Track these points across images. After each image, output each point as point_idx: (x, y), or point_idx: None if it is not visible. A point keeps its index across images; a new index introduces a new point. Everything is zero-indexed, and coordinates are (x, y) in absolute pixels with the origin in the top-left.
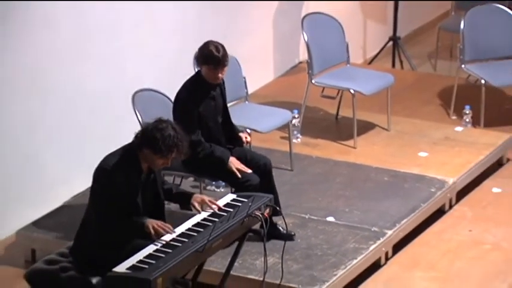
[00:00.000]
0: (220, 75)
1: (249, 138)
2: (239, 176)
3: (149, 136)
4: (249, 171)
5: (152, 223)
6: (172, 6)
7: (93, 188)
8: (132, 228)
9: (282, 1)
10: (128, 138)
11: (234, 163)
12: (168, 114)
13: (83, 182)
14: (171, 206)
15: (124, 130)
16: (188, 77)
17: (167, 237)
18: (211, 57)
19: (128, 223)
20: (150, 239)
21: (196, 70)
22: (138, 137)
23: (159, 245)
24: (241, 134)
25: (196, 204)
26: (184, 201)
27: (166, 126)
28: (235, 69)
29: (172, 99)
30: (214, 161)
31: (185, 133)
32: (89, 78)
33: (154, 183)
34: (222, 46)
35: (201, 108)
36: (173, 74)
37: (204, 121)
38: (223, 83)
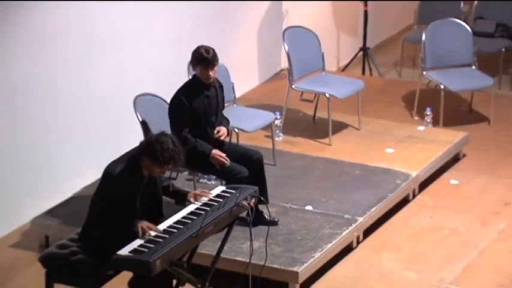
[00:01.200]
0: (211, 73)
1: (221, 133)
2: (218, 168)
3: (150, 147)
4: (228, 162)
5: (141, 224)
6: (169, 21)
7: (98, 189)
8: (123, 228)
9: (265, 16)
10: (129, 136)
11: (215, 156)
12: (164, 116)
13: (91, 175)
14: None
15: (126, 130)
16: (183, 82)
17: (161, 227)
18: (202, 58)
19: (120, 224)
20: (137, 237)
21: (191, 76)
22: (142, 145)
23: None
24: (217, 128)
25: (192, 199)
26: (180, 198)
27: (167, 140)
28: (225, 75)
29: (169, 102)
30: (198, 154)
31: (175, 129)
32: (95, 84)
33: (155, 185)
34: (212, 49)
35: (194, 103)
36: (170, 80)
37: (196, 115)
38: (222, 90)
